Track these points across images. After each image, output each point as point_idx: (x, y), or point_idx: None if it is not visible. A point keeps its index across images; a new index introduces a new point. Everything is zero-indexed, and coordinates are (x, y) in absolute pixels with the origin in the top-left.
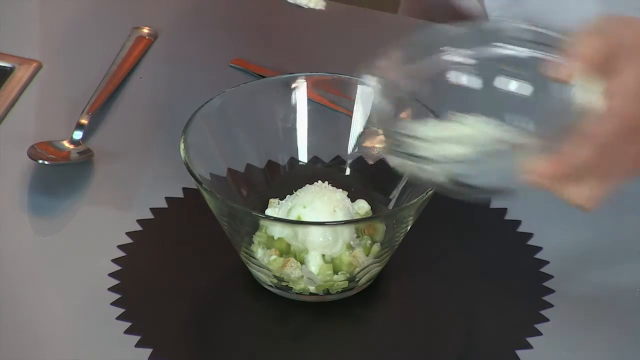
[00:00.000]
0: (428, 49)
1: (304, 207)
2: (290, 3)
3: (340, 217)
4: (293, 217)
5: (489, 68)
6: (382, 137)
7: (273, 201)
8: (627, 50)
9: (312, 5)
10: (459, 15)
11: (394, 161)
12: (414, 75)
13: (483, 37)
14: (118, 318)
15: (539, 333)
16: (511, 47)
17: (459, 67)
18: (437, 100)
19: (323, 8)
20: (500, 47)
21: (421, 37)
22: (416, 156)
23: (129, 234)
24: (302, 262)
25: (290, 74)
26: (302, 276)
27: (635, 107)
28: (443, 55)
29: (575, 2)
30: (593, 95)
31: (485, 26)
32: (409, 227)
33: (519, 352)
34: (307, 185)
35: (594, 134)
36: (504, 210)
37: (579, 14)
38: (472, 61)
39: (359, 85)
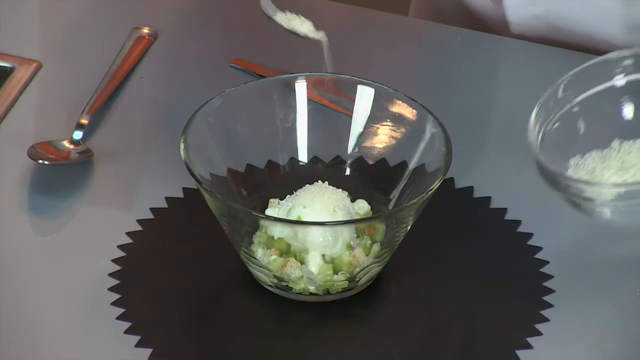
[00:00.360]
0: (594, 79)
1: (304, 207)
2: (286, 29)
3: (340, 217)
4: (293, 217)
5: None
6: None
7: (273, 201)
8: None
9: (310, 35)
10: (472, 16)
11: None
12: (584, 105)
13: None
14: (118, 318)
15: (539, 333)
16: None
17: (623, 93)
18: (602, 127)
19: (322, 39)
20: None
21: (589, 67)
22: (584, 198)
23: (129, 234)
24: (302, 262)
25: (290, 74)
26: (302, 276)
27: None
28: (607, 83)
29: None
30: None
31: None
32: (409, 227)
33: (519, 352)
34: (307, 185)
35: None
36: (504, 210)
37: (601, 11)
38: (635, 87)
39: (359, 85)
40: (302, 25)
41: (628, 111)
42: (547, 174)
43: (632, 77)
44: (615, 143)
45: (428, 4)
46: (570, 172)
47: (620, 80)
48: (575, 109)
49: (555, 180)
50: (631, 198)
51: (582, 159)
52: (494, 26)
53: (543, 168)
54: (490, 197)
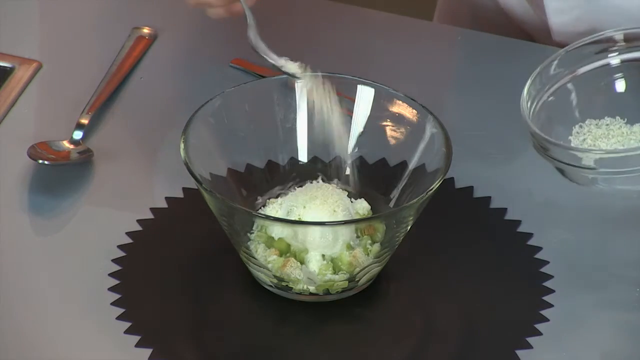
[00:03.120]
0: (587, 57)
1: (304, 207)
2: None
3: (340, 217)
4: (293, 217)
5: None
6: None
7: (273, 201)
8: None
9: (297, 75)
10: (511, 24)
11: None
12: (577, 81)
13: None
14: (118, 318)
15: (539, 333)
16: None
17: (616, 71)
18: (594, 103)
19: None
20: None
21: (584, 46)
22: (567, 164)
23: (129, 234)
24: (302, 262)
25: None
26: (302, 276)
27: None
28: (601, 61)
29: None
30: None
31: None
32: (409, 227)
33: (519, 352)
34: (307, 184)
35: None
36: (504, 210)
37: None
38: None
39: (359, 85)
40: (290, 67)
41: (620, 88)
42: (538, 141)
43: (625, 56)
44: (608, 119)
45: (462, 11)
46: (572, 139)
47: (614, 59)
48: (569, 85)
49: (544, 147)
50: (608, 166)
51: (582, 127)
52: (535, 34)
53: (535, 136)
54: (490, 197)
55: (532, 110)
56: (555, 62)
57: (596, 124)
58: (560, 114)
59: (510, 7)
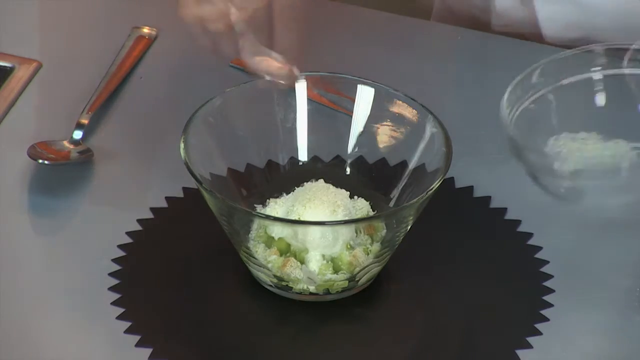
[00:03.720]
0: (572, 69)
1: (304, 207)
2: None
3: (341, 216)
4: (293, 216)
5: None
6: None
7: (273, 201)
8: None
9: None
10: (502, 19)
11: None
12: (558, 92)
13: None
14: (118, 318)
15: (539, 333)
16: None
17: (598, 86)
18: (572, 116)
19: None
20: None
21: (568, 57)
22: (544, 172)
23: (129, 234)
24: (302, 262)
25: None
26: (302, 276)
27: None
28: (584, 75)
29: None
30: None
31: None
32: (409, 227)
33: (519, 352)
34: (308, 184)
35: None
36: (504, 210)
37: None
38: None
39: (359, 85)
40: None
41: (599, 103)
42: (515, 147)
43: (608, 71)
44: (584, 134)
45: (457, 13)
46: (547, 151)
47: (596, 74)
48: (550, 95)
49: (522, 154)
50: (587, 178)
51: (557, 140)
52: (531, 38)
53: (512, 141)
54: (490, 197)
55: (511, 118)
56: (537, 71)
57: (572, 138)
58: (537, 124)
59: (506, 12)
